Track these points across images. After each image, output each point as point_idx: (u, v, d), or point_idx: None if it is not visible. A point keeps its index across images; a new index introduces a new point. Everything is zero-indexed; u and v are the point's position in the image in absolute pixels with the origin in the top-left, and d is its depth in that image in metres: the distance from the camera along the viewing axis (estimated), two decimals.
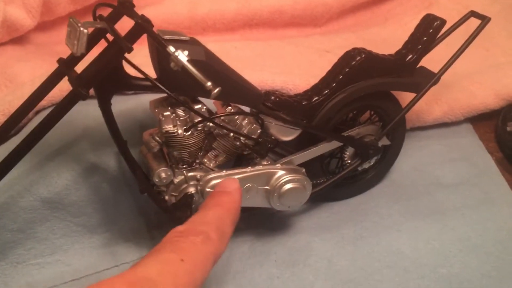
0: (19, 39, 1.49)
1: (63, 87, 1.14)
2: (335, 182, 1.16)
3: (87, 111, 1.11)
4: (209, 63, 0.88)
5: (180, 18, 1.64)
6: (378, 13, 1.87)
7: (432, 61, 1.18)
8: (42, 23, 1.54)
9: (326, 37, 1.70)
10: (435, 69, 1.18)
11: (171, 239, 0.43)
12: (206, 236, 0.43)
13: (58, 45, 1.57)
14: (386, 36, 1.73)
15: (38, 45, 1.56)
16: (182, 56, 0.77)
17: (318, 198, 1.22)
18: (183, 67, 0.77)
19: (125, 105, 1.14)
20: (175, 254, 0.41)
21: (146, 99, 1.15)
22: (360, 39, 1.70)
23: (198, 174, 1.00)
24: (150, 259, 0.40)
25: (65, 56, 0.91)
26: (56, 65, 0.92)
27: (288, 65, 1.46)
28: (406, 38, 1.17)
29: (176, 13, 1.63)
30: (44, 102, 1.14)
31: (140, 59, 0.87)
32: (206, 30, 1.69)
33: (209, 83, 0.77)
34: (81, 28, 0.77)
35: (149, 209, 1.15)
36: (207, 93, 0.80)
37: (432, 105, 1.40)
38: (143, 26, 0.80)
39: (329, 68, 1.12)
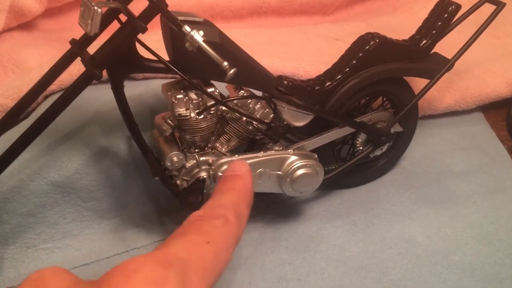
0: (26, 24, 1.48)
1: (73, 71, 1.14)
2: (347, 169, 1.15)
3: (97, 95, 1.11)
4: (223, 45, 0.87)
5: (188, 5, 1.62)
6: (388, 1, 1.85)
7: (443, 48, 1.17)
8: (50, 9, 1.52)
9: (335, 25, 1.69)
10: (447, 56, 1.16)
11: (194, 222, 0.42)
12: (226, 220, 0.43)
13: (65, 31, 1.56)
14: (395, 25, 1.71)
15: (45, 31, 1.55)
16: (198, 36, 0.76)
17: (329, 185, 1.21)
18: (198, 47, 0.76)
19: (135, 90, 1.13)
20: (201, 237, 0.40)
21: (156, 83, 1.15)
22: (369, 27, 1.68)
23: (210, 159, 0.99)
24: (177, 241, 0.39)
25: (73, 38, 0.90)
26: (64, 51, 0.91)
27: (298, 52, 1.44)
28: (415, 27, 1.15)
29: (184, 0, 1.62)
30: (53, 87, 1.13)
31: (150, 44, 0.86)
32: (214, 17, 1.68)
33: (225, 63, 0.76)
34: (95, 8, 0.76)
35: (159, 194, 1.14)
36: (222, 74, 0.79)
37: (443, 93, 1.38)
38: (158, 5, 0.79)
39: (338, 55, 1.10)
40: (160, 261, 0.35)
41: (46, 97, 1.15)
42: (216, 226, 0.42)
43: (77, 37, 0.89)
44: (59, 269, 0.38)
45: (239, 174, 0.49)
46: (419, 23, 1.15)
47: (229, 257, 0.42)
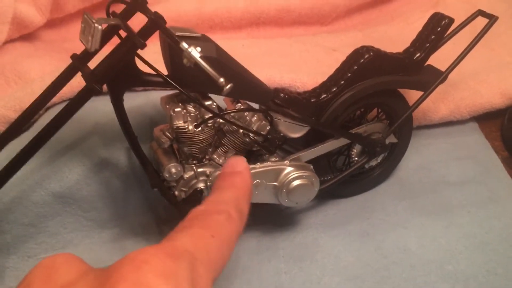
0: (28, 36, 1.50)
1: (73, 83, 1.15)
2: (343, 179, 1.17)
3: (97, 107, 1.13)
4: (220, 60, 0.89)
5: (188, 16, 1.65)
6: (385, 11, 1.88)
7: (438, 60, 1.19)
8: (51, 20, 1.55)
9: (333, 36, 1.71)
10: (442, 68, 1.18)
11: (197, 217, 0.43)
12: (228, 215, 0.44)
13: (67, 42, 1.58)
14: (392, 35, 1.74)
15: (47, 42, 1.57)
16: (195, 52, 0.78)
17: (325, 195, 1.23)
18: (195, 63, 0.78)
19: (135, 101, 1.15)
20: (205, 230, 0.41)
21: (156, 95, 1.17)
22: (366, 38, 1.71)
23: (207, 170, 1.01)
24: (182, 234, 0.40)
25: (74, 53, 0.92)
26: (66, 61, 0.94)
27: (296, 63, 1.47)
28: (412, 37, 1.18)
29: (183, 10, 1.64)
30: (55, 99, 1.15)
31: (149, 56, 0.89)
32: (213, 28, 1.70)
33: (222, 79, 0.78)
34: (96, 25, 0.78)
35: (158, 205, 1.16)
36: (219, 89, 0.81)
37: (438, 103, 1.41)
38: (156, 22, 0.81)
39: (336, 66, 1.13)
40: (169, 253, 0.36)
41: (48, 108, 1.17)
42: (219, 220, 0.43)
43: (79, 48, 0.91)
44: (70, 255, 0.38)
45: (238, 170, 0.50)
46: (416, 33, 1.18)
47: (231, 251, 0.43)
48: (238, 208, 0.45)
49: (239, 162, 0.50)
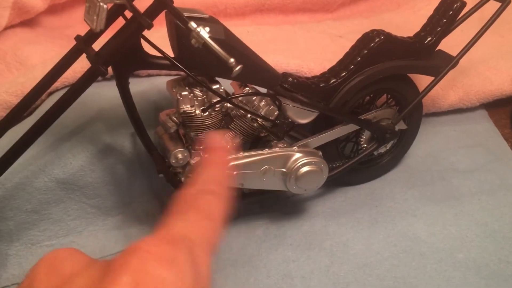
0: (29, 21, 1.48)
1: (76, 68, 1.13)
2: (351, 166, 1.15)
3: (101, 92, 1.10)
4: (229, 42, 0.87)
5: (192, 2, 1.62)
6: None
7: (446, 46, 1.16)
8: (53, 6, 1.52)
9: (338, 23, 1.68)
10: (450, 54, 1.16)
11: (189, 201, 0.43)
12: (216, 193, 0.44)
13: (68, 29, 1.56)
14: (398, 22, 1.71)
15: (48, 28, 1.54)
16: (204, 32, 0.76)
17: (333, 183, 1.21)
18: (204, 44, 0.76)
19: (139, 87, 1.13)
20: (198, 214, 0.41)
21: (160, 81, 1.14)
22: (372, 25, 1.66)
23: None
24: (176, 220, 0.40)
25: (78, 35, 0.89)
26: (67, 48, 0.91)
27: (301, 49, 1.44)
28: (419, 24, 1.15)
29: None
30: (57, 84, 1.13)
31: (155, 41, 0.86)
32: (217, 15, 1.67)
33: (232, 60, 0.76)
34: (101, 4, 0.75)
35: (163, 192, 1.14)
36: (228, 71, 0.78)
37: (447, 90, 1.38)
38: (163, 1, 0.78)
39: (342, 53, 1.10)
40: (168, 241, 0.36)
41: (50, 94, 1.15)
42: (210, 201, 0.44)
43: (80, 34, 0.89)
44: (74, 249, 0.38)
45: (218, 146, 0.50)
46: (422, 21, 1.15)
47: (224, 225, 0.43)
48: (223, 184, 0.45)
49: (218, 137, 0.50)
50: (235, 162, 0.96)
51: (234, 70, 0.78)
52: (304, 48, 1.45)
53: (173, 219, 0.40)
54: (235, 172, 0.98)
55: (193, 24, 0.76)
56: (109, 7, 0.77)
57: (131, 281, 0.31)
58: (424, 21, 1.14)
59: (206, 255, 0.38)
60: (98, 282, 0.33)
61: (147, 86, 1.14)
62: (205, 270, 0.38)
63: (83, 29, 0.89)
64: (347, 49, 1.10)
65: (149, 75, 1.18)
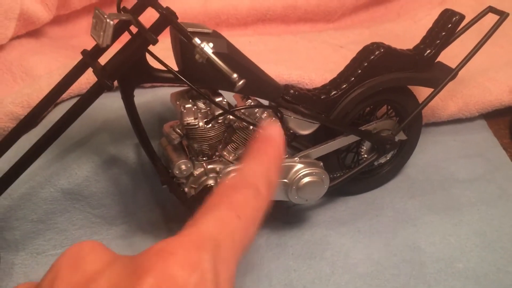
0: (34, 32, 1.49)
1: (81, 80, 1.15)
2: (352, 176, 1.17)
3: (106, 104, 1.12)
4: (232, 56, 0.88)
5: (194, 13, 1.64)
6: (391, 9, 1.86)
7: (446, 57, 1.18)
8: (57, 17, 1.54)
9: (340, 33, 1.70)
10: (450, 65, 1.18)
11: (225, 194, 0.42)
12: (257, 191, 0.42)
13: (73, 39, 1.58)
14: (399, 32, 1.73)
15: (53, 38, 1.56)
16: (208, 48, 0.78)
17: (334, 192, 1.22)
18: (208, 59, 0.78)
19: (143, 98, 1.15)
20: (232, 211, 0.40)
21: (164, 92, 1.16)
22: (373, 35, 1.70)
23: (217, 167, 1.00)
24: (208, 217, 0.39)
25: (80, 50, 0.91)
26: (72, 58, 0.93)
27: (303, 59, 1.46)
28: (419, 34, 1.17)
29: (190, 7, 1.64)
30: (63, 95, 1.15)
31: (158, 53, 0.88)
32: (220, 25, 1.69)
33: (235, 75, 0.78)
34: (108, 20, 0.77)
35: (166, 202, 1.16)
36: (231, 85, 0.80)
37: (447, 101, 1.40)
38: (168, 17, 0.80)
39: (343, 63, 1.12)
40: (194, 242, 0.36)
41: (56, 105, 1.17)
42: (247, 198, 0.41)
43: (85, 45, 0.91)
44: (96, 243, 0.38)
45: (272, 136, 0.47)
46: (423, 31, 1.17)
47: (256, 230, 0.42)
48: (268, 181, 0.43)
49: (274, 127, 0.47)
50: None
51: (237, 85, 0.79)
52: (306, 58, 1.47)
53: (203, 216, 0.39)
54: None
55: (197, 40, 0.78)
56: (115, 23, 0.79)
57: (154, 284, 0.32)
58: (425, 31, 1.16)
59: (233, 258, 0.38)
60: (122, 282, 0.33)
61: (150, 97, 1.15)
62: (229, 275, 0.38)
63: (87, 39, 0.91)
64: (348, 59, 1.11)
65: (153, 86, 1.20)
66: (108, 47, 0.83)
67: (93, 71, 0.86)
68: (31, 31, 1.48)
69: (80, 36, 1.58)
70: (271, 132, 0.47)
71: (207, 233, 0.37)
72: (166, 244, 0.34)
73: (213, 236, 0.37)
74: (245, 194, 0.41)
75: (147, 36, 0.80)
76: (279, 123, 0.45)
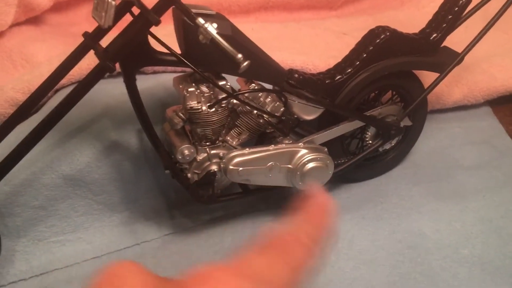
0: (34, 19, 1.48)
1: (83, 65, 1.13)
2: (356, 163, 1.16)
3: (107, 89, 1.10)
4: (236, 38, 0.87)
5: (195, 0, 1.62)
6: None
7: (450, 43, 1.16)
8: (58, 3, 1.52)
9: (343, 20, 1.68)
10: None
11: (278, 241, 0.42)
12: (309, 249, 0.42)
13: (74, 26, 1.56)
14: (402, 19, 1.71)
15: (53, 25, 1.54)
16: (212, 28, 0.76)
17: (338, 179, 1.21)
18: (212, 40, 0.76)
19: (145, 83, 1.13)
20: (283, 257, 0.40)
21: (166, 77, 1.15)
22: (377, 22, 1.66)
23: (221, 152, 0.99)
24: (256, 255, 0.39)
25: (80, 37, 0.90)
26: (72, 45, 0.91)
27: (306, 46, 1.44)
28: (423, 21, 1.15)
29: None
30: (63, 81, 1.13)
31: (161, 38, 0.86)
32: (222, 11, 1.64)
33: (240, 55, 0.76)
34: (109, 0, 0.76)
35: (169, 188, 1.14)
36: (235, 67, 0.79)
37: (452, 87, 1.38)
38: None
39: (346, 50, 1.10)
40: (242, 275, 0.36)
41: (57, 91, 1.15)
42: (297, 251, 0.42)
43: (85, 31, 0.90)
44: (133, 264, 0.37)
45: (328, 209, 0.49)
46: (427, 18, 1.15)
47: (302, 282, 0.42)
48: (317, 241, 0.44)
49: (328, 202, 0.48)
50: (241, 158, 0.96)
51: (242, 66, 0.78)
52: (309, 45, 1.45)
53: (254, 254, 0.39)
54: (241, 169, 0.98)
55: (201, 20, 0.76)
56: (117, 4, 0.78)
57: None
58: (428, 18, 1.14)
59: None
60: None
61: (153, 83, 1.14)
62: None
63: (88, 27, 0.90)
64: (351, 47, 1.10)
65: (154, 72, 1.18)
66: (110, 28, 0.82)
67: (94, 53, 0.85)
68: (31, 18, 1.46)
69: (81, 23, 1.56)
70: (321, 196, 0.47)
71: (256, 269, 0.37)
72: (214, 271, 0.34)
73: (262, 274, 0.37)
74: (296, 248, 0.42)
75: (149, 17, 0.79)
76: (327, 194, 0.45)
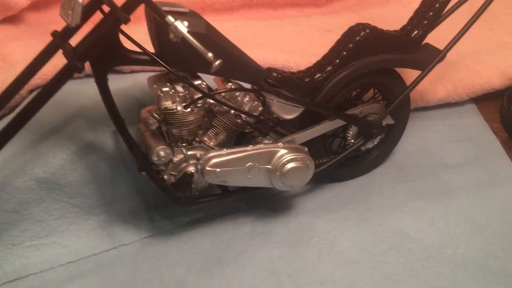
0: (12, 18, 1.45)
1: (57, 64, 1.10)
2: (338, 162, 1.14)
3: (81, 90, 1.08)
4: (210, 36, 0.85)
5: None
6: None
7: (434, 40, 1.15)
8: (37, 2, 1.49)
9: (327, 17, 1.66)
10: (439, 48, 1.14)
11: None
12: None
13: (53, 24, 1.51)
14: (387, 16, 1.69)
15: (31, 24, 1.51)
16: (182, 26, 0.74)
17: (320, 179, 1.20)
18: (183, 38, 0.74)
19: (121, 83, 1.11)
20: None
21: (144, 77, 1.12)
22: (361, 19, 1.64)
23: (198, 153, 0.97)
24: None
25: (55, 30, 0.87)
26: None
27: (289, 44, 1.42)
28: (407, 18, 1.13)
29: None
30: (38, 81, 1.11)
31: (137, 36, 0.84)
32: (205, 9, 1.65)
33: (210, 54, 0.74)
34: None
35: (147, 190, 1.12)
36: (207, 66, 0.76)
37: (436, 84, 1.37)
38: None
39: (330, 47, 1.08)
40: None
41: (32, 91, 1.12)
42: None
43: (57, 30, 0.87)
44: None
45: None
46: (411, 14, 1.14)
47: None
48: None
49: None
50: (218, 160, 0.94)
51: (214, 65, 0.76)
52: (293, 42, 1.44)
53: None
54: (218, 170, 0.96)
55: (170, 18, 0.74)
56: (85, 2, 0.75)
57: None
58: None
59: None
60: None
61: (130, 82, 1.11)
62: None
63: None
64: None
65: (132, 71, 1.16)
66: (78, 27, 0.79)
67: (63, 53, 0.82)
68: (9, 17, 1.44)
69: (60, 22, 1.51)
70: None
71: None
72: None
73: None
74: None
75: (119, 15, 0.76)
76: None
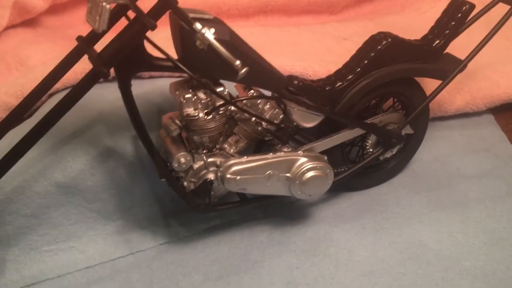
0: (30, 21, 1.46)
1: (77, 69, 1.10)
2: (357, 171, 1.13)
3: (102, 95, 1.08)
4: (234, 44, 0.84)
5: (194, 3, 1.59)
6: (396, 0, 1.82)
7: (452, 49, 1.14)
8: (54, 6, 1.50)
9: (343, 25, 1.66)
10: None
11: None
12: None
13: (70, 29, 1.53)
14: (403, 24, 1.69)
15: (49, 28, 1.52)
16: (209, 33, 0.74)
17: (338, 188, 1.19)
18: (209, 45, 0.74)
19: (141, 89, 1.11)
20: None
21: (163, 83, 1.12)
22: (377, 27, 1.64)
23: (218, 160, 0.97)
24: None
25: (80, 35, 0.87)
26: (68, 48, 0.89)
27: (306, 51, 1.42)
28: (423, 26, 1.13)
29: None
30: (58, 85, 1.11)
31: (158, 42, 0.84)
32: (220, 15, 1.64)
33: (238, 62, 0.74)
34: (104, 4, 0.73)
35: (164, 196, 1.12)
36: (233, 73, 0.76)
37: (454, 94, 1.36)
38: (168, 2, 0.76)
39: (347, 55, 1.08)
40: None
41: (51, 95, 1.13)
42: None
43: (82, 34, 0.87)
44: None
45: None
46: (427, 23, 1.13)
47: None
48: None
49: None
50: (238, 167, 0.94)
51: (240, 73, 0.76)
52: (309, 50, 1.43)
53: None
54: (238, 177, 0.96)
55: (198, 25, 0.74)
56: (112, 7, 0.75)
57: None
58: (429, 23, 1.13)
59: None
60: None
61: (149, 88, 1.11)
62: None
63: (85, 29, 0.87)
64: (352, 52, 1.08)
65: (151, 77, 1.16)
66: (104, 32, 0.79)
67: (88, 58, 0.82)
68: (27, 20, 1.44)
69: (78, 26, 1.54)
70: None
71: None
72: None
73: None
74: None
75: (145, 22, 0.76)
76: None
